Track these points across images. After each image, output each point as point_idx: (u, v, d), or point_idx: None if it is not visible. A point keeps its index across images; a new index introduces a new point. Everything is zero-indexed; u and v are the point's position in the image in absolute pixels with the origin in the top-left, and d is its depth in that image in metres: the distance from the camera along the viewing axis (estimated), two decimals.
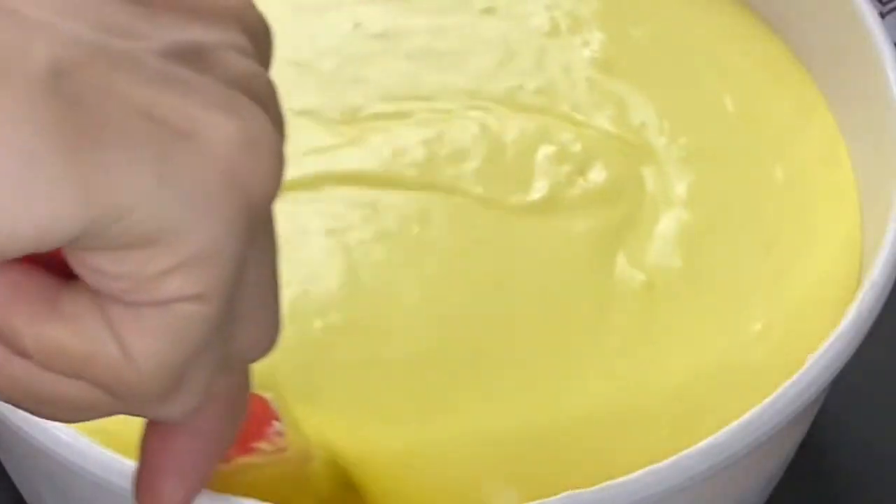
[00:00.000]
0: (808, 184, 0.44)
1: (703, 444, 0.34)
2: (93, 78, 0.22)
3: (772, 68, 0.47)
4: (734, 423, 0.35)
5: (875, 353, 0.41)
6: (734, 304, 0.41)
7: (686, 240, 0.42)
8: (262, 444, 0.36)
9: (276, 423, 0.37)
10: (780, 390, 0.35)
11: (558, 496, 0.33)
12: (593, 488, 0.33)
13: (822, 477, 0.47)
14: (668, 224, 0.42)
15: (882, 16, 0.56)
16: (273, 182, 0.24)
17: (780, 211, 0.43)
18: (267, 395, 0.37)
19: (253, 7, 0.26)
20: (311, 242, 0.41)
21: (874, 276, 0.37)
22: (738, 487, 0.39)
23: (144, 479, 0.27)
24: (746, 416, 0.35)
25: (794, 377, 0.36)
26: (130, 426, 0.37)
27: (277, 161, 0.24)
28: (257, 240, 0.24)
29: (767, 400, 0.35)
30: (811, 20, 0.46)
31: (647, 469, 0.34)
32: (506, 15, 0.47)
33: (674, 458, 0.34)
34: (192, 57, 0.24)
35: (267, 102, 0.25)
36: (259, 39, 0.26)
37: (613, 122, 0.44)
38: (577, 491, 0.33)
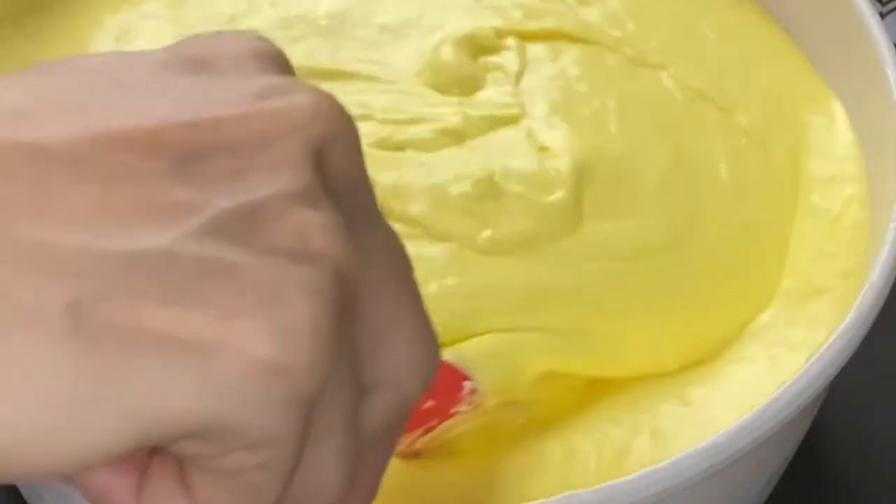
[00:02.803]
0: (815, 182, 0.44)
1: (703, 444, 0.34)
2: (113, 311, 0.22)
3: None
4: (734, 423, 0.35)
5: (875, 353, 0.41)
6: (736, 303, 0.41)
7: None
8: (461, 408, 0.37)
9: (467, 384, 0.37)
10: (779, 390, 0.35)
11: (558, 496, 0.33)
12: (593, 488, 0.33)
13: (821, 477, 0.47)
14: None
15: (882, 16, 0.56)
16: (319, 369, 0.23)
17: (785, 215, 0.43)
18: (449, 359, 0.37)
19: (323, 108, 0.25)
20: None
21: (873, 277, 0.37)
22: (738, 487, 0.39)
23: None
24: (746, 416, 0.35)
25: (794, 377, 0.36)
26: None
27: (319, 352, 0.23)
28: (321, 404, 0.24)
29: (767, 400, 0.35)
30: (809, 20, 0.46)
31: (647, 469, 0.34)
32: None
33: (674, 458, 0.34)
34: (243, 225, 0.24)
35: (322, 258, 0.24)
36: (336, 144, 0.25)
37: None
38: (576, 491, 0.33)
